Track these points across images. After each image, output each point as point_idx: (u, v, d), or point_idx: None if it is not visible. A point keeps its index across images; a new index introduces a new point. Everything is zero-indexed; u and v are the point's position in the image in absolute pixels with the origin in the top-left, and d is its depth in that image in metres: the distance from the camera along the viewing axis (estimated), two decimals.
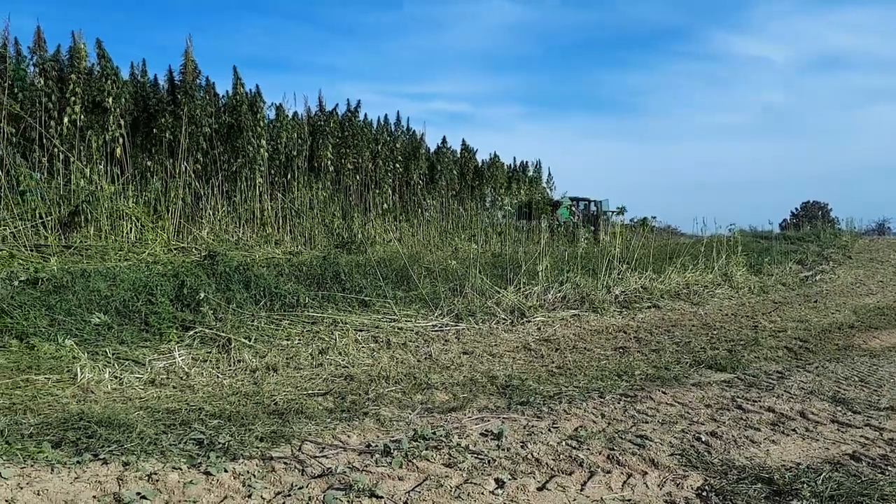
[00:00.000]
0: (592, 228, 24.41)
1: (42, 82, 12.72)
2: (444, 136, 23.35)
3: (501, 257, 9.48)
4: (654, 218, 16.12)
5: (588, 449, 3.80)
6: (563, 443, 3.90)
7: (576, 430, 4.20)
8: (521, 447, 3.79)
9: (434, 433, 3.94)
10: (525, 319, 7.54)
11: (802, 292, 12.58)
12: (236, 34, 58.77)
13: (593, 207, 27.11)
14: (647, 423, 4.40)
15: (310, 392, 4.81)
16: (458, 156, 24.91)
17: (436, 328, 7.04)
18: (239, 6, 59.86)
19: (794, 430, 4.30)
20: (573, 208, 25.71)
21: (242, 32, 60.09)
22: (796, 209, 46.91)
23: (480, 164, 25.92)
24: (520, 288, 8.33)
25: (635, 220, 17.19)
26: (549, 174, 28.63)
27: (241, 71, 15.92)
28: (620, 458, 3.66)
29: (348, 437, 4.01)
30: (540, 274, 8.61)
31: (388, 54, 69.05)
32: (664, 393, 5.09)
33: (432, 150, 23.50)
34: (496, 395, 4.95)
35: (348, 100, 19.16)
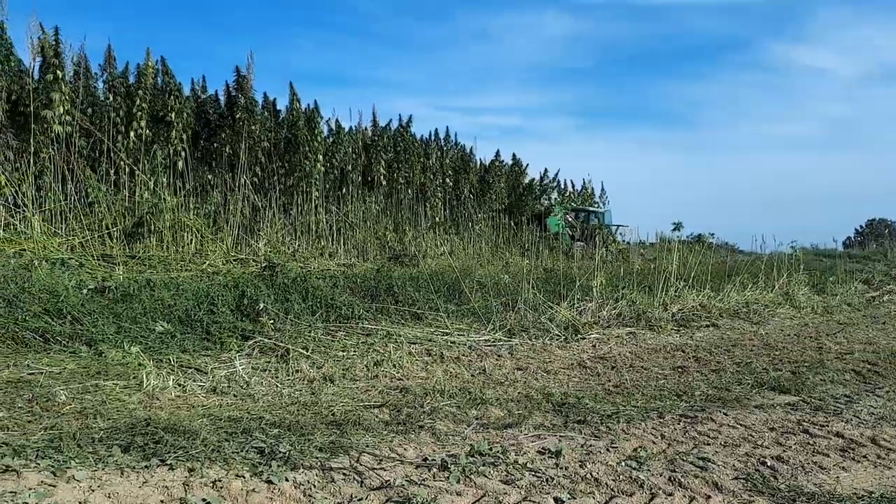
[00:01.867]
0: (582, 241, 21.53)
1: (111, 98, 13.30)
2: (498, 150, 23.22)
3: (554, 272, 9.41)
4: (712, 234, 15.71)
5: (648, 470, 3.72)
6: (623, 463, 3.83)
7: (635, 450, 4.12)
8: (580, 466, 3.73)
9: (491, 449, 3.92)
10: (579, 336, 7.45)
11: (869, 313, 12.09)
12: (292, 49, 60.28)
13: (593, 219, 23.93)
14: (708, 444, 4.28)
15: (366, 404, 4.85)
16: (509, 170, 24.91)
17: (488, 343, 7.02)
18: (295, 21, 61.39)
19: (864, 456, 4.13)
20: (568, 218, 22.84)
21: (298, 47, 61.60)
22: (861, 227, 45.27)
23: (531, 179, 25.85)
24: (574, 304, 8.24)
25: (692, 237, 16.85)
26: (603, 188, 28.24)
27: (296, 85, 16.32)
28: (682, 480, 3.58)
29: (405, 449, 4.03)
30: (594, 290, 8.51)
31: (441, 68, 69.70)
32: (726, 415, 4.96)
33: (483, 163, 23.58)
34: (552, 413, 4.90)
35: (400, 115, 19.45)
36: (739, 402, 5.37)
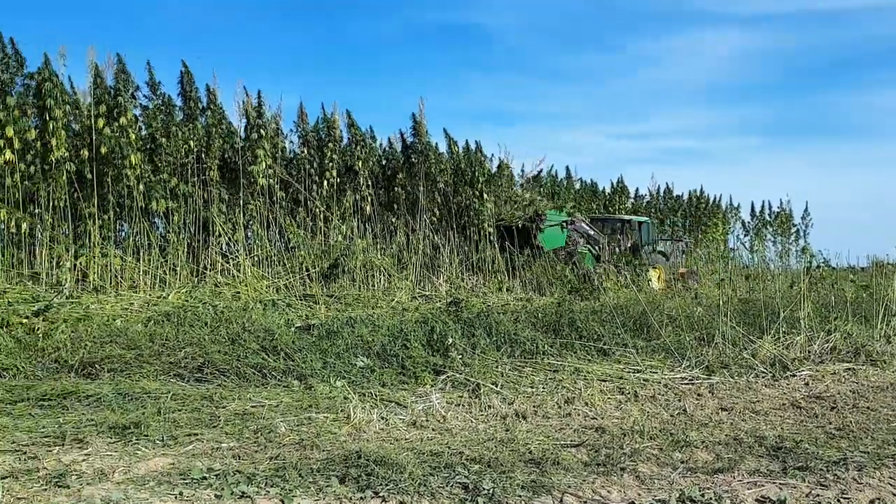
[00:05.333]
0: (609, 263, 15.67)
1: (304, 151, 14.59)
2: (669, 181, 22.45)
3: (752, 303, 8.75)
4: None
5: None
6: None
7: (872, 502, 3.66)
8: None
9: (703, 495, 3.68)
10: (788, 373, 6.81)
11: None
12: (459, 90, 62.45)
13: (634, 234, 17.43)
14: None
15: (562, 442, 4.77)
16: (689, 197, 23.90)
17: (685, 381, 6.63)
18: (463, 63, 63.65)
19: None
20: (585, 227, 16.35)
21: (465, 88, 63.71)
22: None
23: (711, 204, 24.61)
24: (778, 337, 7.57)
25: None
26: (806, 210, 26.00)
27: (464, 125, 16.97)
28: None
29: (608, 492, 3.89)
30: (801, 322, 7.77)
31: (608, 96, 68.31)
32: None
33: (670, 189, 22.92)
34: (766, 458, 4.50)
35: (567, 167, 19.74)
36: None
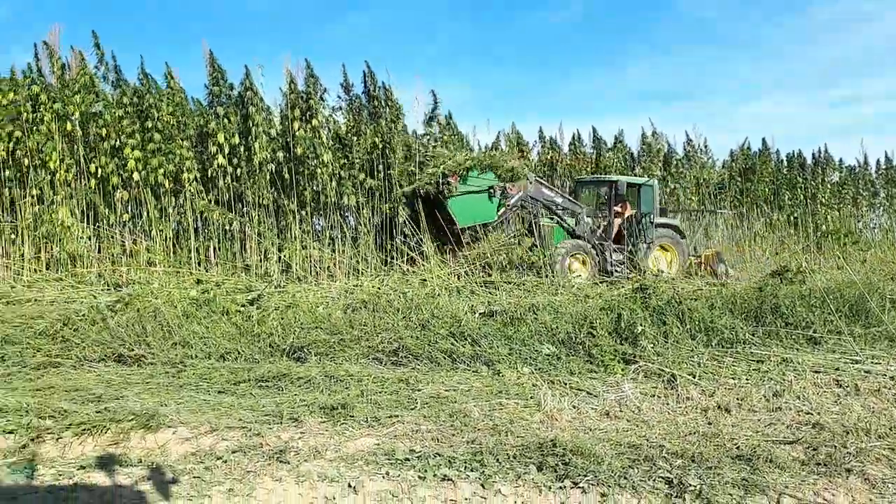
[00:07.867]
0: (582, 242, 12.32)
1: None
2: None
3: None
4: None
5: None
6: None
7: None
8: None
9: None
10: None
11: None
12: (628, 69, 59.84)
13: (629, 201, 13.15)
14: None
15: (773, 439, 4.40)
16: None
17: None
18: (636, 39, 60.96)
19: None
20: (542, 195, 12.35)
21: (636, 67, 60.92)
22: None
23: None
24: None
25: None
26: None
27: (639, 104, 16.32)
28: None
29: (832, 495, 3.54)
30: None
31: (798, 62, 61.76)
32: None
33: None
34: None
35: (763, 139, 18.30)
36: None
